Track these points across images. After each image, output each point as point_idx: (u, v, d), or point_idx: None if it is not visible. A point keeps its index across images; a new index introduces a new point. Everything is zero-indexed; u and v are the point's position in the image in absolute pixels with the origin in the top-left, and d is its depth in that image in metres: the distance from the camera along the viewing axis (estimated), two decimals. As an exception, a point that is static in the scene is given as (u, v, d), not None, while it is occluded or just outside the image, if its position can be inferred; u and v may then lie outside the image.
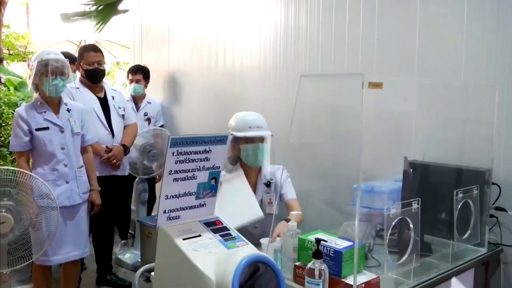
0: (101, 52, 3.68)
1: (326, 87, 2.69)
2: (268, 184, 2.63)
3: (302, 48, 3.44)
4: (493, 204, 2.42)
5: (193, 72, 4.48)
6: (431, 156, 2.57)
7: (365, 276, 1.71)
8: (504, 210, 2.42)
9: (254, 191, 2.60)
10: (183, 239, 1.50)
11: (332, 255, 1.69)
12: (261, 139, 2.53)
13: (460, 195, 2.12)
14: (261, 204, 2.58)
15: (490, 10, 2.49)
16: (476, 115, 2.51)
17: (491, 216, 2.42)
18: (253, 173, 2.62)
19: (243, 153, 2.52)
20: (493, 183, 2.39)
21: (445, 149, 2.61)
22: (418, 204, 1.88)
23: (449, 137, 2.63)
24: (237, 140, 2.53)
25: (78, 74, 3.72)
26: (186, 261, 1.44)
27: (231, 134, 2.53)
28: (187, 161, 1.57)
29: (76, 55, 3.80)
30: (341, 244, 1.73)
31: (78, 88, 3.56)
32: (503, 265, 2.48)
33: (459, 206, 2.11)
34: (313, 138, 2.63)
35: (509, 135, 2.42)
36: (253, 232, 2.54)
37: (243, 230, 2.50)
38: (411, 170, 2.21)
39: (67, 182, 2.92)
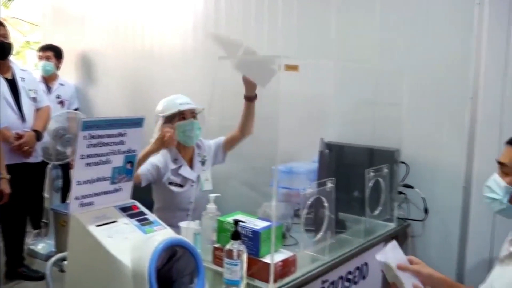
0: (5, 26, 3.42)
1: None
2: (203, 162, 2.61)
3: (222, 31, 3.42)
4: (401, 181, 2.58)
5: (110, 53, 4.30)
6: (346, 137, 2.67)
7: (282, 254, 1.75)
8: (411, 187, 2.59)
9: (191, 168, 2.57)
10: (97, 226, 1.45)
11: (251, 235, 1.71)
12: (194, 115, 2.51)
13: (371, 174, 2.22)
14: (199, 181, 2.56)
15: (400, 1, 2.62)
16: (387, 98, 2.64)
17: (400, 193, 2.58)
18: (188, 152, 2.58)
19: (179, 131, 2.46)
20: (402, 162, 2.54)
21: (359, 130, 2.73)
22: (332, 184, 1.94)
23: (363, 118, 2.75)
24: (169, 120, 2.47)
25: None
26: (100, 248, 1.40)
27: (161, 117, 2.47)
28: (100, 144, 1.51)
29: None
30: (259, 224, 1.75)
31: (-18, 68, 3.30)
32: (411, 238, 2.66)
33: (371, 184, 2.22)
34: (232, 120, 2.64)
35: (416, 117, 2.58)
36: (189, 207, 2.50)
37: (181, 203, 2.48)
38: (327, 151, 2.29)
39: (-29, 170, 2.72)
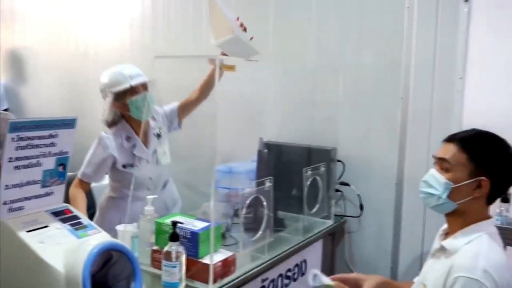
0: None
1: (181, 69, 2.67)
2: (159, 135, 2.47)
3: (159, 29, 3.37)
4: (338, 179, 2.65)
5: (42, 51, 4.13)
6: (285, 137, 2.71)
7: (222, 255, 1.75)
8: (347, 184, 2.66)
9: (146, 145, 2.41)
10: (27, 231, 1.39)
11: (189, 236, 1.70)
12: (145, 87, 2.32)
13: (309, 173, 2.27)
14: (156, 156, 2.44)
15: (334, 4, 2.69)
16: (323, 97, 2.71)
17: (337, 190, 2.65)
18: (141, 128, 2.39)
19: (133, 107, 2.29)
20: (338, 161, 2.61)
21: (297, 130, 2.78)
22: (270, 183, 1.96)
23: (300, 118, 2.81)
24: (120, 96, 2.29)
25: None
26: (31, 254, 1.34)
27: (111, 92, 2.28)
28: (30, 146, 1.44)
29: None
30: (198, 225, 1.74)
31: None
32: (347, 234, 2.74)
33: (308, 182, 2.26)
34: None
35: (351, 116, 2.66)
36: (148, 184, 2.43)
37: (139, 182, 2.32)
38: (266, 150, 2.31)
39: None
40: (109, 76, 2.31)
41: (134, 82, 2.27)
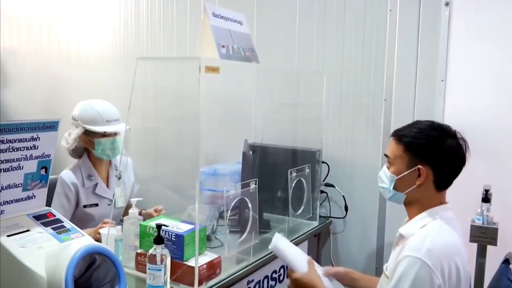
0: None
1: (165, 71, 2.66)
2: (119, 177, 2.49)
3: (143, 31, 3.36)
4: (323, 181, 2.66)
5: (23, 53, 4.08)
6: (269, 138, 2.71)
7: (207, 257, 1.74)
8: (332, 186, 2.68)
9: (107, 185, 2.44)
10: (8, 236, 1.36)
11: (174, 239, 1.69)
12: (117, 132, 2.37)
13: (294, 174, 2.27)
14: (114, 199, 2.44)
15: (318, 6, 2.70)
16: (307, 99, 2.72)
17: (322, 192, 2.66)
18: (105, 166, 2.45)
19: (99, 147, 2.31)
20: (323, 162, 2.62)
21: (282, 131, 2.78)
22: (255, 184, 1.96)
23: (285, 119, 2.81)
24: (89, 133, 2.31)
25: None
26: (12, 259, 1.31)
27: (83, 127, 2.29)
28: (11, 149, 1.42)
29: None
30: (182, 228, 1.73)
31: None
32: (332, 235, 2.75)
33: (293, 184, 2.26)
34: (154, 122, 2.59)
35: (335, 117, 2.68)
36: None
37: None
38: (251, 152, 2.31)
39: None
40: (85, 111, 2.32)
41: (109, 129, 2.29)
